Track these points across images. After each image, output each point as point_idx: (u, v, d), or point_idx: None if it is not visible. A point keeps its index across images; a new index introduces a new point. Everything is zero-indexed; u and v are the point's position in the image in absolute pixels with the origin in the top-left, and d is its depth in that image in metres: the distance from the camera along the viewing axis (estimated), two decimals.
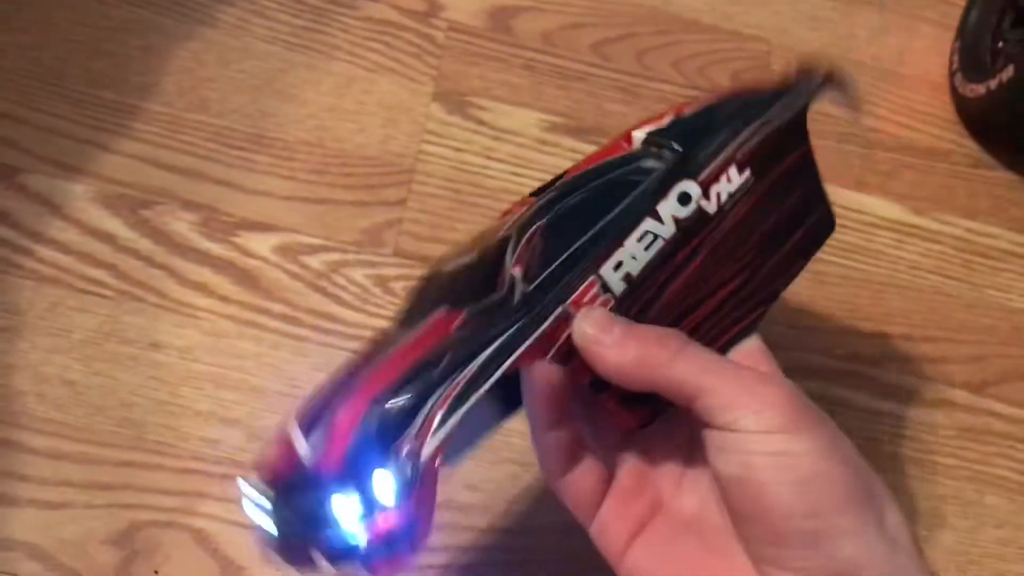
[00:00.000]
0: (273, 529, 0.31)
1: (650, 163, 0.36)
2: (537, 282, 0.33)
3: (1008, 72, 0.62)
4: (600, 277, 0.33)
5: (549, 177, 0.37)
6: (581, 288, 0.33)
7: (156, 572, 0.43)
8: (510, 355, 0.32)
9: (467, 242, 0.36)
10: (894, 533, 0.30)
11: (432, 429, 0.30)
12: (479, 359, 0.31)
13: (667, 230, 0.34)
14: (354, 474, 0.30)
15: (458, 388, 0.31)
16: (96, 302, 0.49)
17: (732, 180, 0.36)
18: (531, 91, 0.63)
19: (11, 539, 0.42)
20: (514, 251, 0.33)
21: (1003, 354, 0.58)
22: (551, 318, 0.33)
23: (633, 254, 0.34)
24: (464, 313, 0.32)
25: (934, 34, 0.73)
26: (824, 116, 0.67)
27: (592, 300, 0.33)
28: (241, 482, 0.31)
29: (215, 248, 0.52)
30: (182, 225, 0.52)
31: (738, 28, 0.70)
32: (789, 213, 0.38)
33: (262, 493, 0.31)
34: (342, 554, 0.30)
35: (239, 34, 0.60)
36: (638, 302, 0.34)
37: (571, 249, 0.33)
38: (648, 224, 0.34)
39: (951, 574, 0.50)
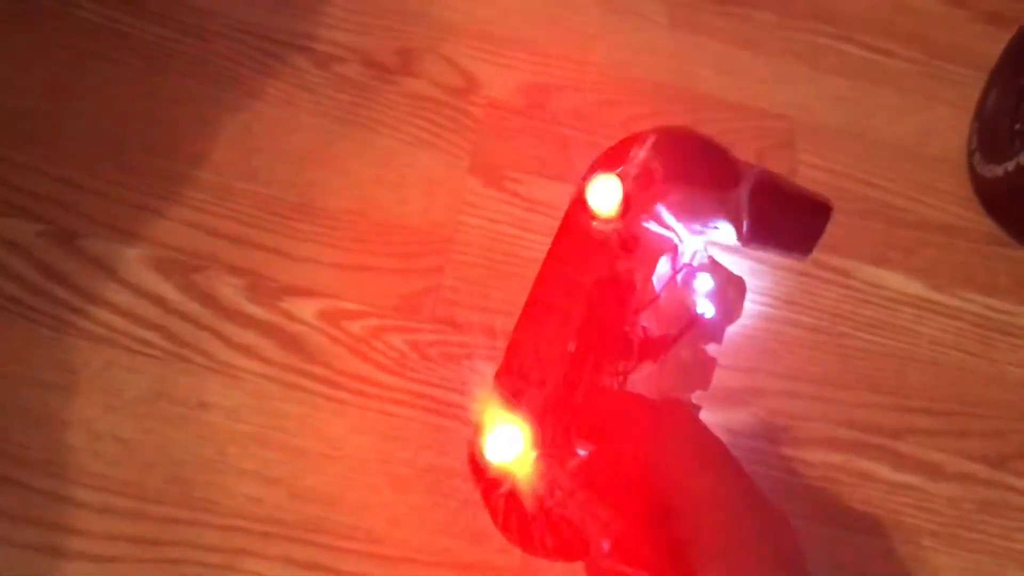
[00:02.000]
0: None
1: None
2: None
3: None
4: None
5: None
6: None
7: None
8: None
9: None
10: None
11: None
12: None
13: None
14: None
15: None
16: (147, 363, 0.51)
17: None
18: (564, 165, 0.65)
19: None
20: None
21: (1023, 429, 0.60)
22: None
23: None
24: None
25: (953, 115, 0.75)
26: (845, 191, 0.69)
27: None
28: None
29: (260, 312, 0.54)
30: (229, 289, 0.55)
31: (763, 106, 0.73)
32: None
33: None
34: None
35: (287, 107, 0.63)
36: None
37: None
38: None
39: None
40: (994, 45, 0.76)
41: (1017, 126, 0.69)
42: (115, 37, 0.64)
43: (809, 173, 0.70)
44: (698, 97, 0.72)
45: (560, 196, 0.63)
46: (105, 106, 0.60)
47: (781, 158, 0.70)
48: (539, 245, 0.60)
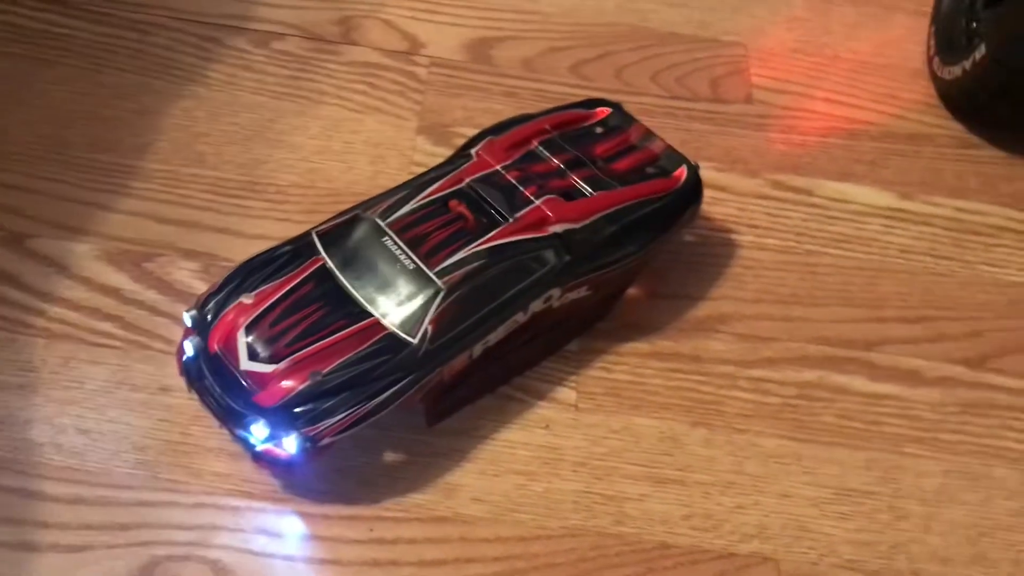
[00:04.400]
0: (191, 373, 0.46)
1: (549, 255, 0.48)
2: (436, 345, 0.45)
3: (980, 50, 0.63)
4: (472, 351, 0.47)
5: None
6: (458, 358, 0.47)
7: None
8: (399, 398, 0.45)
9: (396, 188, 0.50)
10: None
11: (334, 433, 0.44)
12: (380, 397, 0.44)
13: (524, 318, 0.48)
14: (277, 420, 0.43)
15: (360, 413, 0.44)
16: (106, 353, 0.52)
17: (579, 292, 0.50)
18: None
19: None
20: (436, 309, 0.45)
21: (1001, 328, 0.59)
22: (431, 376, 0.46)
23: (498, 335, 0.47)
24: (385, 333, 0.45)
25: (909, 23, 0.74)
26: (804, 111, 0.68)
27: (461, 363, 0.47)
28: (187, 316, 0.46)
29: None
30: (184, 274, 0.55)
31: (716, 35, 0.72)
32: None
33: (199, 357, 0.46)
34: (239, 438, 0.45)
35: (228, 89, 0.63)
36: (488, 359, 0.48)
37: (464, 325, 0.46)
38: (518, 316, 0.48)
39: (963, 548, 0.50)
40: None
41: (972, 24, 0.68)
42: (54, 40, 0.64)
43: (765, 97, 0.69)
44: (648, 33, 0.71)
45: None
46: (47, 110, 0.61)
47: (736, 85, 0.69)
48: None
